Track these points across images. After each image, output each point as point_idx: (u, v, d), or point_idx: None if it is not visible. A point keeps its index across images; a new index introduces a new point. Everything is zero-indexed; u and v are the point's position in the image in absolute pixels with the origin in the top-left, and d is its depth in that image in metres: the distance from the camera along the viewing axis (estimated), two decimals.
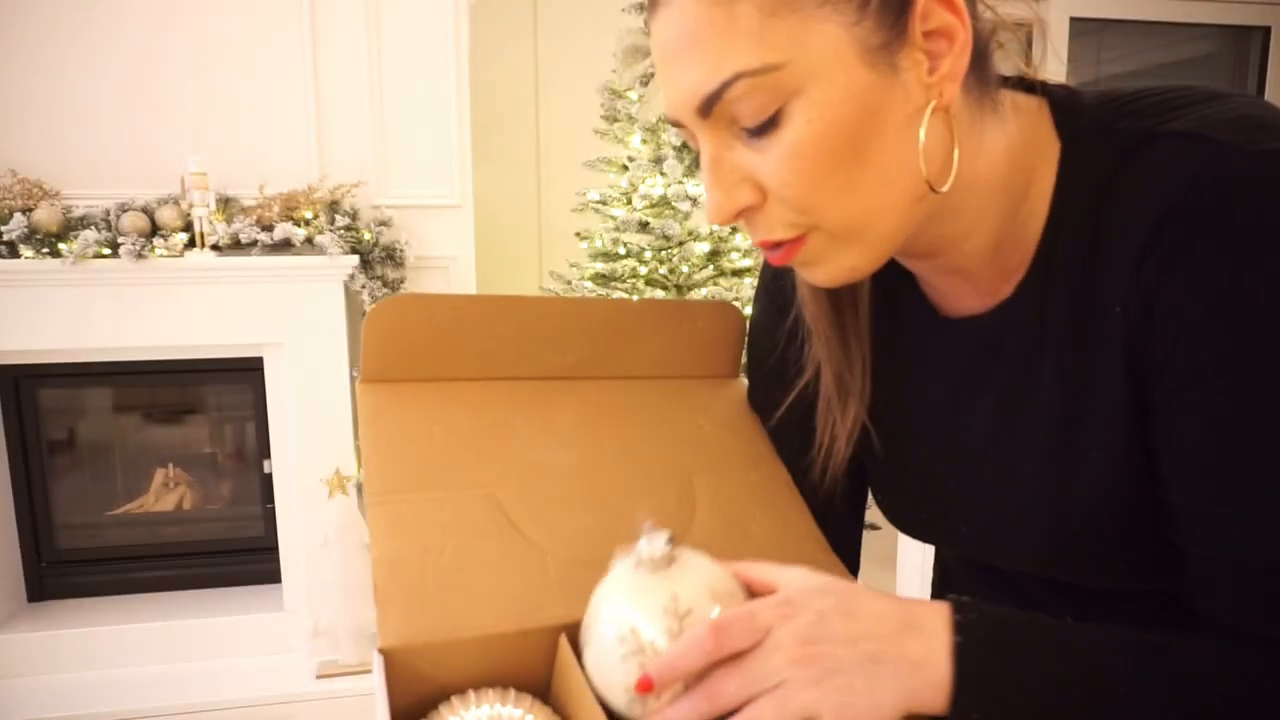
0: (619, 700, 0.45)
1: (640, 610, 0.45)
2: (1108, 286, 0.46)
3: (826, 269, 0.49)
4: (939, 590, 0.76)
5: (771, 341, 0.65)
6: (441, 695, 0.49)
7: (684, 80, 0.44)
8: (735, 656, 0.42)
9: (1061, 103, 0.50)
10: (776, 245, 0.47)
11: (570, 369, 0.65)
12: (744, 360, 0.73)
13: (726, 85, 0.42)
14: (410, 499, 0.53)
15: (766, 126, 0.43)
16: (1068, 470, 0.50)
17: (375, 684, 0.46)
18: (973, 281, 0.54)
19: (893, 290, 0.59)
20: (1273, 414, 0.40)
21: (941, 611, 0.43)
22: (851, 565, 0.66)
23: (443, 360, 0.60)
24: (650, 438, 0.64)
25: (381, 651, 0.47)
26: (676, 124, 0.47)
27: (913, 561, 1.92)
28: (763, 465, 0.66)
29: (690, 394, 0.68)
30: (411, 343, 0.59)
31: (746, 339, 0.70)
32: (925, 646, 0.42)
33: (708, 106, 0.44)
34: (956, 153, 0.46)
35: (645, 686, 0.43)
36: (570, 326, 0.64)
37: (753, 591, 0.48)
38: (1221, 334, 0.41)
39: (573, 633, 0.50)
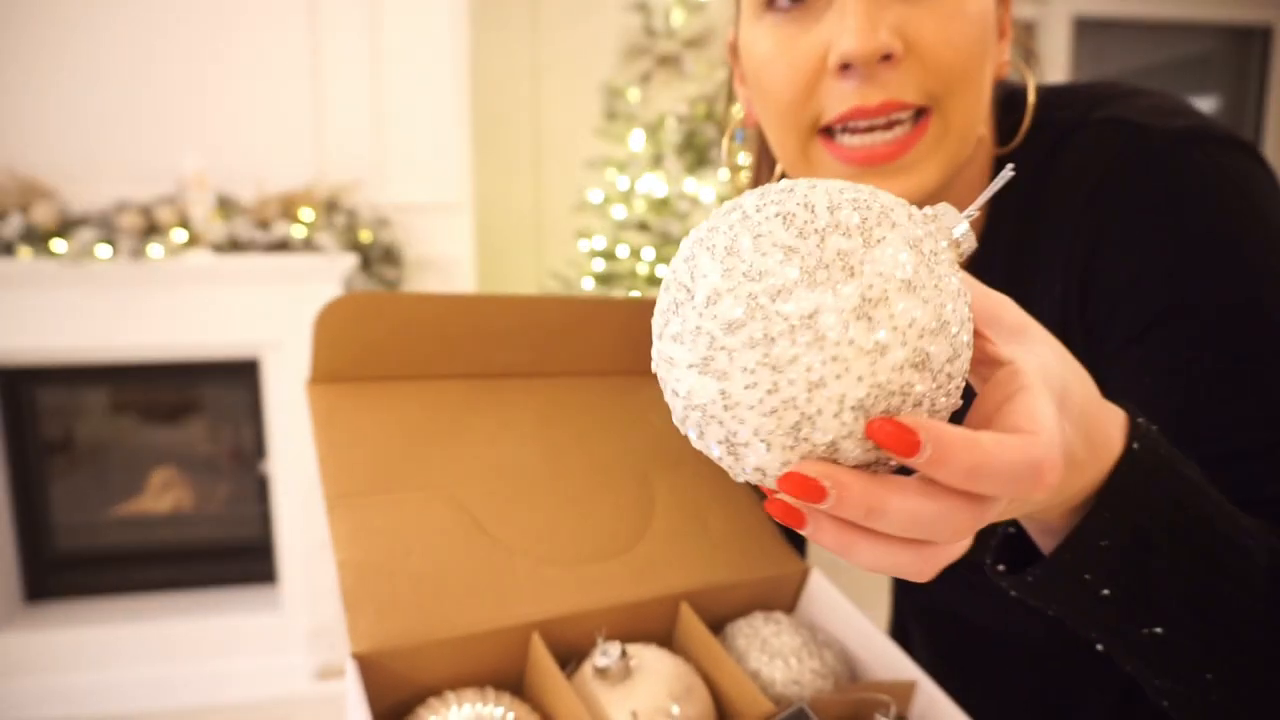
0: None
1: None
2: (1045, 270, 0.48)
3: (911, 179, 0.45)
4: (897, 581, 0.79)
5: None
6: (417, 697, 0.50)
7: None
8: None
9: (1001, 100, 0.52)
10: (889, 127, 0.44)
11: (524, 366, 0.65)
12: None
13: None
14: (371, 501, 0.53)
15: None
16: None
17: (350, 690, 0.46)
18: None
19: None
20: (1233, 357, 0.42)
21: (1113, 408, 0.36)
22: (799, 545, 0.69)
23: (394, 359, 0.59)
24: (606, 434, 0.65)
25: (355, 657, 0.46)
26: None
27: None
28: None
29: (640, 390, 0.70)
30: (362, 342, 0.58)
31: None
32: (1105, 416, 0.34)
33: None
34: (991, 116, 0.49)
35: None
36: (524, 324, 0.64)
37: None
38: (1156, 289, 0.43)
39: (545, 629, 0.51)
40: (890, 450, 0.24)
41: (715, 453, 0.27)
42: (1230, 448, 0.42)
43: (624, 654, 0.50)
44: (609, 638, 0.53)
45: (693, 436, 0.28)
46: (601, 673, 0.50)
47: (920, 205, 0.46)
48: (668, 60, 2.04)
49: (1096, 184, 0.45)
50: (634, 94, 2.12)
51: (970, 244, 0.28)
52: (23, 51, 2.10)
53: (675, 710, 0.49)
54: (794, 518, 0.26)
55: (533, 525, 0.56)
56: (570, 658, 0.54)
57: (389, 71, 2.28)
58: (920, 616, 0.73)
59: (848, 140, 0.45)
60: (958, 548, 0.27)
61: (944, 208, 0.28)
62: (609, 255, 2.20)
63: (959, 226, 0.28)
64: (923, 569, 0.27)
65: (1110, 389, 0.45)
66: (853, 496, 0.24)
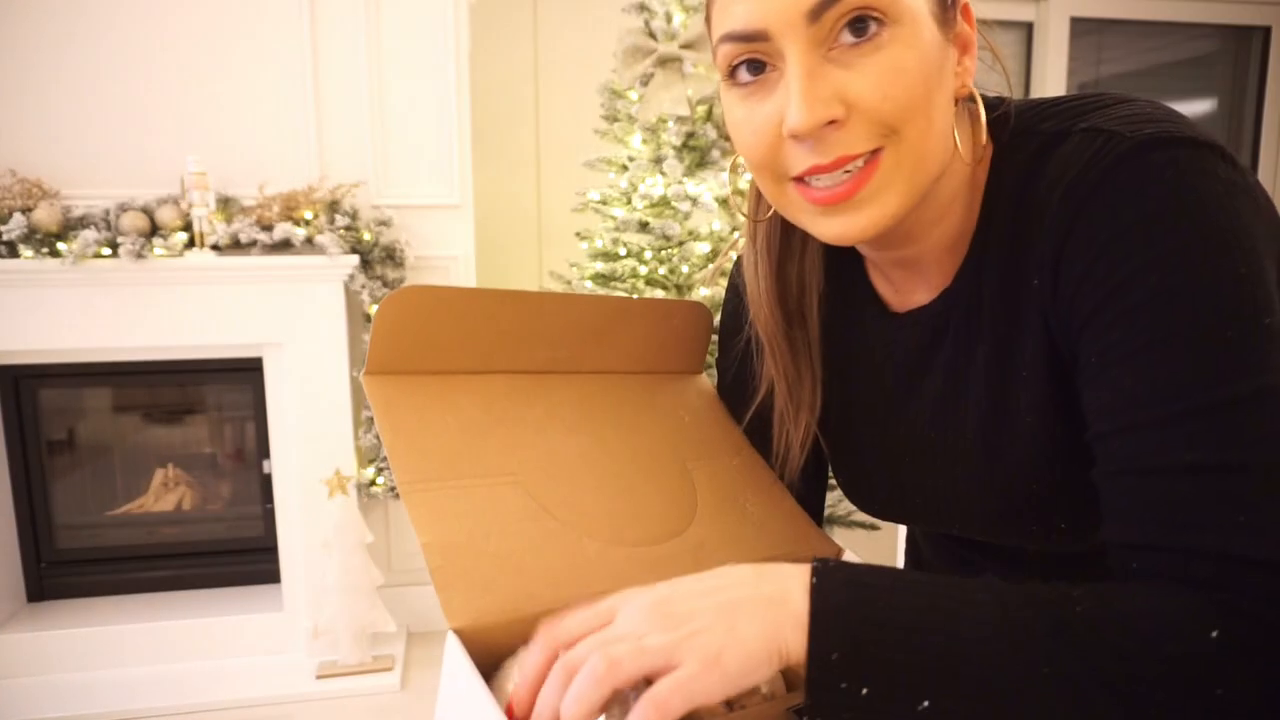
0: None
1: None
2: (1028, 264, 0.52)
3: (873, 210, 0.50)
4: (910, 561, 0.83)
5: (730, 356, 0.71)
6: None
7: None
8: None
9: (995, 111, 0.56)
10: (846, 172, 0.49)
11: (563, 363, 0.68)
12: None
13: None
14: (442, 487, 0.56)
15: (867, 42, 0.47)
16: (1005, 436, 0.57)
17: (453, 659, 0.49)
18: (924, 274, 0.60)
19: (847, 295, 0.65)
20: (1152, 338, 0.45)
21: (799, 566, 0.44)
22: None
23: (444, 353, 0.62)
24: (643, 427, 0.68)
25: (455, 631, 0.49)
26: (751, 38, 0.48)
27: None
28: (742, 451, 0.71)
29: (668, 388, 0.73)
30: (417, 336, 0.60)
31: (716, 340, 0.76)
32: (782, 586, 0.42)
33: (822, 8, 0.46)
34: (957, 136, 0.53)
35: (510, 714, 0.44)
36: (564, 321, 0.67)
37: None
38: (1105, 275, 0.47)
39: None
40: None
41: None
42: (1138, 418, 0.45)
43: None
44: None
45: None
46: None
47: (887, 232, 0.51)
48: (668, 61, 2.05)
49: (1069, 185, 0.49)
50: (634, 94, 2.12)
51: None
52: (25, 54, 2.11)
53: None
54: None
55: (592, 510, 0.59)
56: None
57: (390, 73, 2.29)
58: None
59: (814, 182, 0.50)
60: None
61: None
62: (609, 255, 2.21)
63: None
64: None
65: (1077, 373, 0.50)
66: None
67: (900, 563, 0.88)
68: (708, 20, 0.53)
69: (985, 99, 0.56)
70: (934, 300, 0.59)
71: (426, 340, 0.61)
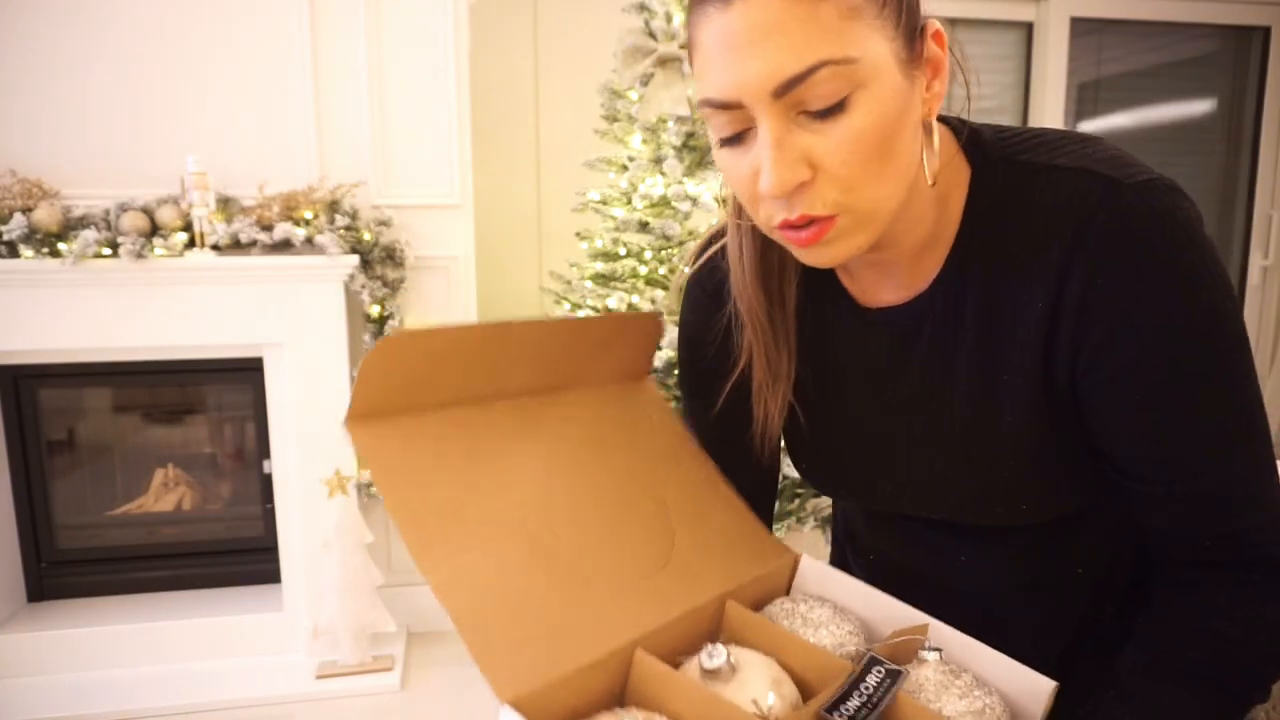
0: None
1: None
2: (1026, 286, 0.57)
3: (839, 247, 0.55)
4: (842, 534, 0.88)
5: (709, 336, 0.74)
6: None
7: (764, 63, 0.49)
8: None
9: (965, 135, 0.61)
10: (808, 225, 0.54)
11: (532, 387, 0.69)
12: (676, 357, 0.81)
13: (812, 70, 0.49)
14: (452, 546, 0.55)
15: (832, 111, 0.50)
16: (984, 433, 0.62)
17: None
18: (892, 275, 0.64)
19: (818, 287, 0.70)
20: (1183, 393, 0.54)
21: None
22: (767, 521, 0.79)
23: (416, 391, 0.61)
24: (616, 438, 0.71)
25: (510, 704, 0.50)
26: (727, 106, 0.52)
27: None
28: (699, 460, 0.75)
29: (628, 396, 0.76)
30: (396, 379, 0.60)
31: (685, 338, 0.79)
32: None
33: (787, 88, 0.50)
34: (925, 155, 0.57)
35: None
36: (531, 347, 0.68)
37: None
38: (1137, 337, 0.53)
39: (647, 644, 0.57)
40: None
41: None
42: (1182, 451, 0.55)
43: (729, 654, 0.55)
44: (694, 641, 0.58)
45: None
46: (712, 674, 0.55)
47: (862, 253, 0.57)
48: (668, 61, 2.05)
49: (1080, 230, 0.54)
50: (634, 94, 2.12)
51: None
52: (25, 54, 2.11)
53: (771, 699, 0.54)
54: None
55: (586, 546, 0.60)
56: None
57: (390, 73, 2.29)
58: (866, 568, 0.81)
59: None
60: None
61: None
62: (609, 255, 2.21)
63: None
64: None
65: (1097, 412, 0.57)
66: None
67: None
68: (690, 62, 0.56)
69: (944, 118, 0.61)
70: (909, 302, 0.64)
71: (401, 383, 0.59)
